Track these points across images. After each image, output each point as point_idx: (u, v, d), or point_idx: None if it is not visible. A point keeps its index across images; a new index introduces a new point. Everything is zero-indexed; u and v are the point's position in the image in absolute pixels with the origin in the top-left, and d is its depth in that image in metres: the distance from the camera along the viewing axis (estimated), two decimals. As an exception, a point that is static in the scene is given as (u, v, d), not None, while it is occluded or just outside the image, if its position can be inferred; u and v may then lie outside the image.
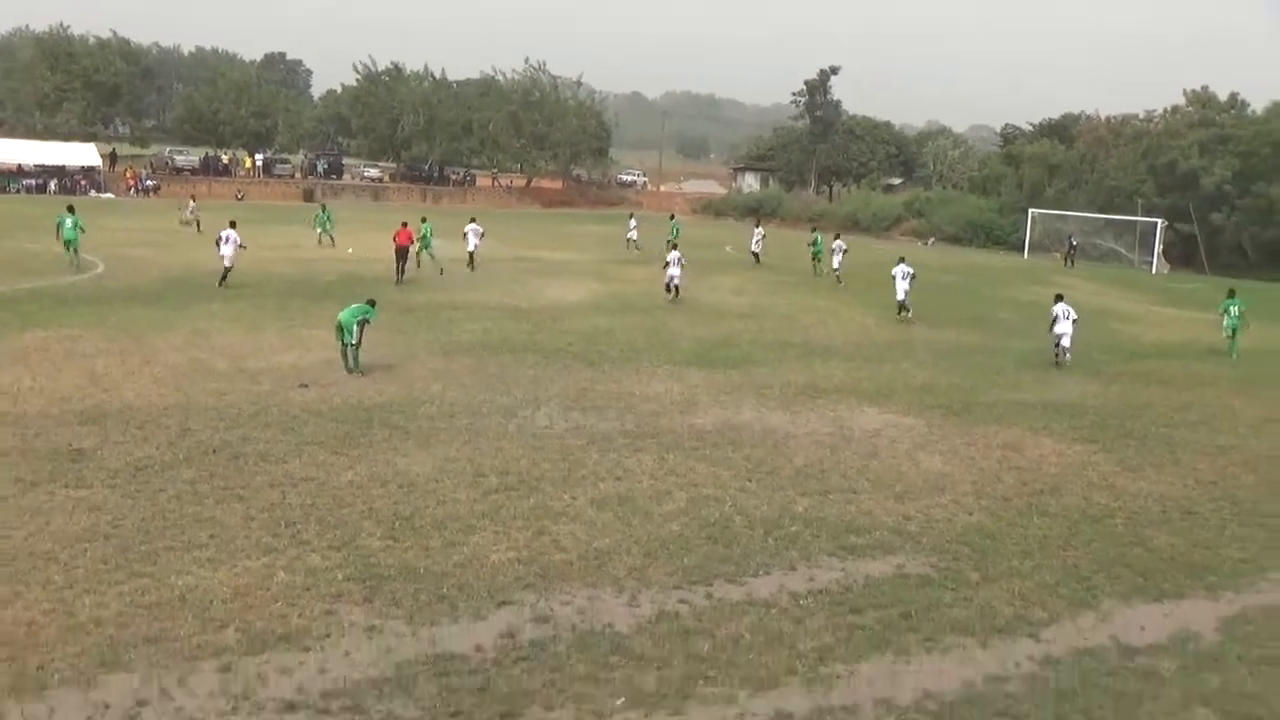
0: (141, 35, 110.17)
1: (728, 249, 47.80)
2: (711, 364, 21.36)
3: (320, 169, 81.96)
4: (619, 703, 8.01)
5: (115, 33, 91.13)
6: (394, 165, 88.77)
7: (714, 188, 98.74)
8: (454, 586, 9.93)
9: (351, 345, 18.63)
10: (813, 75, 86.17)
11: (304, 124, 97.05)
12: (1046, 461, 15.45)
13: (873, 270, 37.09)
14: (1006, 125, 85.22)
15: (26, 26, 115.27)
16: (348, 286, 28.49)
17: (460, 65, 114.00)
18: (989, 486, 14.05)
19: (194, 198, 50.07)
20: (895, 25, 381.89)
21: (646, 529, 11.71)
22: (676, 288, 30.48)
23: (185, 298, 26.23)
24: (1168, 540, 12.32)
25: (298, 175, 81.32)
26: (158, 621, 8.91)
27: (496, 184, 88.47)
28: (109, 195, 65.84)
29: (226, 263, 28.58)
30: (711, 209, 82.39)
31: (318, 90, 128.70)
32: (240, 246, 29.02)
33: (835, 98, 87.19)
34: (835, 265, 37.44)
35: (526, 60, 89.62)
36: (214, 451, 13.68)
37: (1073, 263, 54.14)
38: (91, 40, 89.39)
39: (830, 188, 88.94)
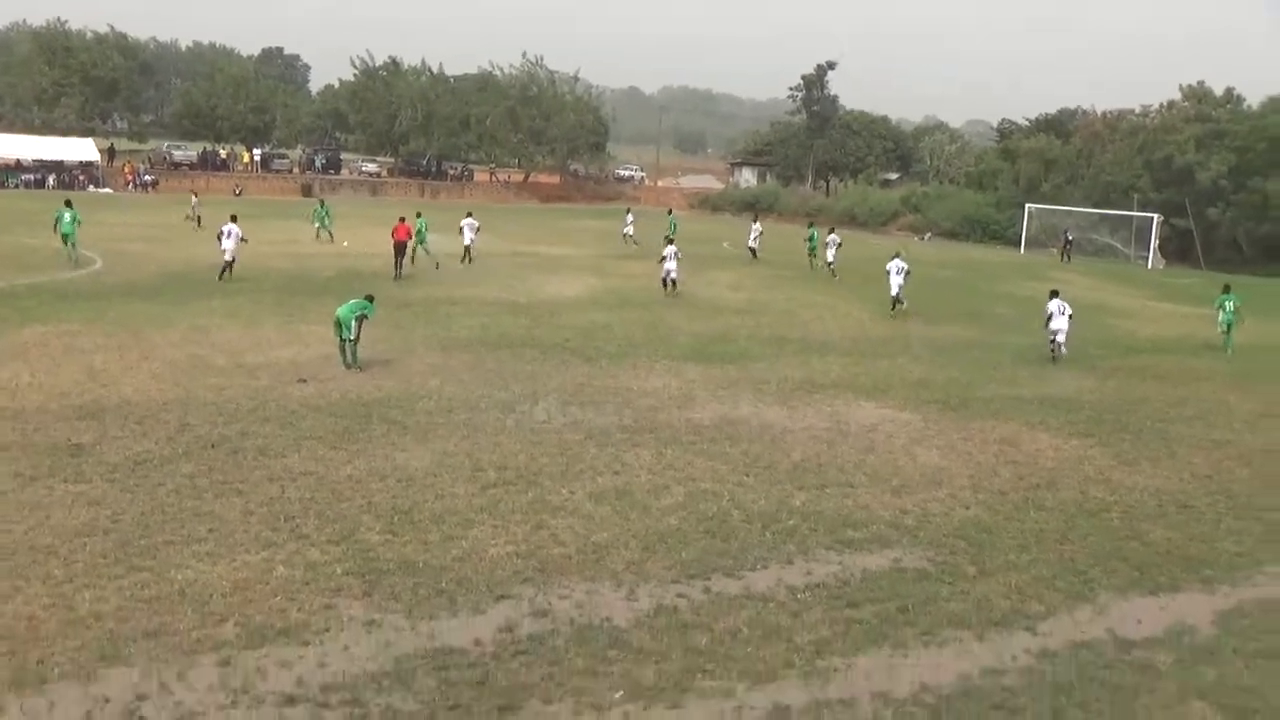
0: (139, 30, 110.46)
1: (725, 244, 47.75)
2: (709, 359, 21.39)
3: (318, 164, 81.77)
4: (617, 696, 8.06)
5: (113, 28, 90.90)
6: (392, 160, 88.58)
7: (711, 183, 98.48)
8: (453, 580, 9.97)
9: (350, 340, 18.65)
10: (810, 70, 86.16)
11: (302, 119, 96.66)
12: (1043, 456, 15.49)
13: (869, 265, 37.05)
14: (1003, 120, 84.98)
15: (24, 21, 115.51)
16: (346, 282, 28.52)
17: (460, 65, 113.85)
18: (985, 481, 14.09)
19: (195, 193, 49.96)
20: (895, 25, 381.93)
21: (644, 523, 11.75)
22: (674, 282, 30.51)
23: (184, 293, 26.23)
24: (1163, 534, 12.38)
25: (296, 170, 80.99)
26: (157, 615, 8.94)
27: (494, 179, 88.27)
28: (107, 190, 65.73)
29: (228, 256, 28.58)
30: (709, 204, 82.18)
31: (315, 85, 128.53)
32: (242, 240, 29.02)
33: (832, 93, 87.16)
34: (830, 259, 37.65)
35: (524, 55, 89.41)
36: (213, 446, 13.71)
37: (1069, 258, 54.11)
38: (89, 35, 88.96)
39: (827, 183, 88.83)
